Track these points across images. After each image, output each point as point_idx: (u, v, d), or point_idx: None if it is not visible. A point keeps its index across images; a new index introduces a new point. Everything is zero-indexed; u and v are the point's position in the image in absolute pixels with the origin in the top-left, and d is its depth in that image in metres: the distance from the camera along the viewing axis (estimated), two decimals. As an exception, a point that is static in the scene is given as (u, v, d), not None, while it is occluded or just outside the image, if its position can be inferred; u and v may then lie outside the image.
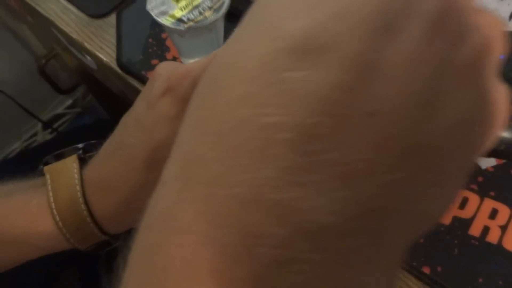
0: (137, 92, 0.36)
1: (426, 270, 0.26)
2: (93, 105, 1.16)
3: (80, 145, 0.27)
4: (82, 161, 0.26)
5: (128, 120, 0.25)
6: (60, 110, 1.25)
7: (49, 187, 0.25)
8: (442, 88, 0.10)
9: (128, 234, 0.27)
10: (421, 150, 0.10)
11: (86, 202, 0.24)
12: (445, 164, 0.11)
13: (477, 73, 0.11)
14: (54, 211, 0.24)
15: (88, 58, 0.48)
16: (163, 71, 0.23)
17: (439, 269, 0.26)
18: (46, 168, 0.26)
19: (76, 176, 0.25)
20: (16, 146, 1.21)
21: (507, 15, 0.37)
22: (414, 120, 0.10)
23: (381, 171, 0.10)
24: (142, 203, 0.26)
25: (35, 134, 1.23)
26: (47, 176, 0.25)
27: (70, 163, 0.25)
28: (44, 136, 1.22)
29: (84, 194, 0.24)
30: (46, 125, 1.17)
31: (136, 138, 0.24)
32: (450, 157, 0.11)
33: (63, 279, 0.55)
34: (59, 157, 0.27)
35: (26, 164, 0.53)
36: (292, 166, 0.10)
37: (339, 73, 0.10)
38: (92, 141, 0.28)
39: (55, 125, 1.16)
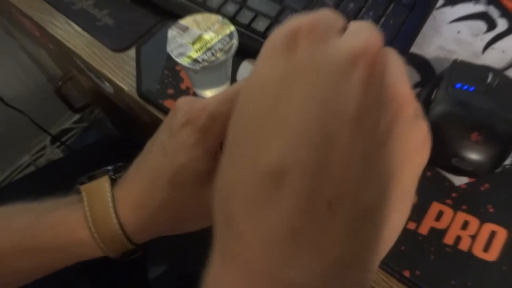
0: (151, 115, 0.40)
1: (406, 273, 0.31)
2: (100, 119, 1.21)
3: (110, 167, 0.31)
4: (113, 181, 0.30)
5: (153, 147, 0.29)
6: (67, 125, 1.29)
7: (86, 204, 0.29)
8: (371, 163, 0.16)
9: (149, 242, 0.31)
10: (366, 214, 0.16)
11: (117, 217, 0.29)
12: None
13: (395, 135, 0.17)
14: (90, 224, 0.28)
15: (107, 84, 0.53)
16: (183, 105, 0.28)
17: (417, 272, 0.31)
18: (82, 187, 0.30)
19: (109, 194, 0.29)
20: (25, 160, 1.25)
21: (480, 50, 0.42)
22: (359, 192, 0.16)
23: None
24: (165, 218, 0.30)
25: (43, 148, 1.27)
26: (83, 194, 0.29)
27: (103, 183, 0.30)
28: (52, 150, 1.27)
29: (115, 210, 0.29)
30: (55, 139, 1.21)
31: (160, 162, 0.28)
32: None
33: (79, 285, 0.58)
34: (92, 178, 0.31)
35: (47, 180, 0.58)
36: None
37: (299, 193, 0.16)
38: (119, 164, 0.32)
39: (63, 139, 1.21)
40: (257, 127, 0.17)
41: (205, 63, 0.32)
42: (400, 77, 0.18)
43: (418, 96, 0.38)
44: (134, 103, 0.41)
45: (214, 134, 0.27)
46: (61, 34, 0.44)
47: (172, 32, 0.33)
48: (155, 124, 0.47)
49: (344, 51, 0.16)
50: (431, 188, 0.34)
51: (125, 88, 0.40)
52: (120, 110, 0.68)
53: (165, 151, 0.28)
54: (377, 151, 0.16)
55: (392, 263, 0.31)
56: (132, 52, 0.42)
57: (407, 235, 0.32)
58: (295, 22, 0.17)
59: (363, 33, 0.17)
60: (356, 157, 0.15)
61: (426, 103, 0.35)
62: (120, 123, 0.84)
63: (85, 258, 0.31)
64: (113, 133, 1.11)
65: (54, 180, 0.59)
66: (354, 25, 0.18)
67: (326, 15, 0.18)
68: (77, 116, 1.27)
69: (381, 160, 0.16)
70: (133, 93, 0.40)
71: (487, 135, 0.32)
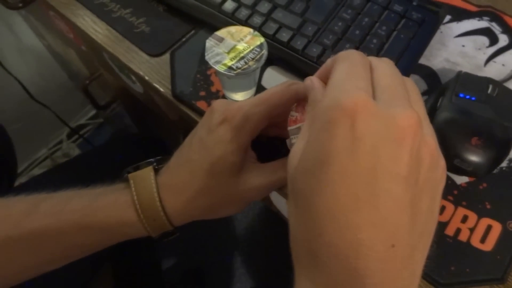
0: (183, 114, 0.44)
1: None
2: (115, 116, 1.25)
3: (152, 159, 0.36)
4: (156, 171, 0.35)
5: (193, 141, 0.34)
6: (83, 120, 1.34)
7: (133, 189, 0.34)
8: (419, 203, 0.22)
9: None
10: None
11: (160, 201, 0.33)
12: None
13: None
14: (138, 207, 0.33)
15: (138, 84, 0.58)
16: (220, 106, 0.33)
17: (421, 259, 0.35)
18: (130, 175, 0.34)
19: (153, 181, 0.34)
20: (42, 153, 1.30)
21: (482, 63, 0.46)
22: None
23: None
24: (202, 203, 0.35)
25: (60, 142, 1.32)
26: (131, 181, 0.34)
27: (148, 172, 0.34)
28: (68, 144, 1.32)
29: (159, 195, 0.33)
30: (71, 134, 1.26)
31: (199, 155, 0.33)
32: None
33: (97, 277, 0.63)
34: (137, 168, 0.35)
35: (77, 171, 0.63)
36: None
37: None
38: (161, 157, 0.36)
39: (80, 133, 1.26)
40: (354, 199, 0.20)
41: (239, 70, 0.36)
42: (431, 136, 0.23)
43: (426, 103, 0.42)
44: (167, 104, 0.46)
45: (247, 132, 0.32)
46: (102, 39, 0.48)
47: (209, 42, 0.37)
48: (182, 121, 0.51)
49: (396, 127, 0.20)
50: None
51: (161, 89, 0.45)
52: (143, 108, 0.73)
53: (205, 145, 0.32)
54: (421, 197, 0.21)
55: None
56: (166, 57, 0.46)
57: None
58: (349, 99, 0.21)
59: (405, 108, 0.21)
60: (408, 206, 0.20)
61: (432, 110, 0.40)
62: (140, 120, 0.88)
63: (131, 237, 0.35)
64: (128, 129, 1.16)
65: (83, 171, 0.64)
66: (397, 94, 0.23)
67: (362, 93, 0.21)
68: (93, 112, 1.32)
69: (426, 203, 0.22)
70: (168, 94, 0.44)
71: (486, 139, 0.37)
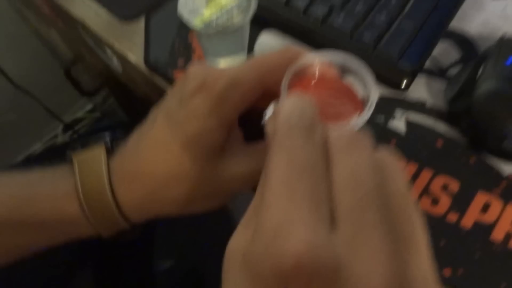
0: (162, 93, 0.37)
1: (447, 272, 0.26)
2: (113, 109, 1.19)
3: (106, 134, 0.28)
4: (109, 152, 0.27)
5: (158, 116, 0.25)
6: (80, 114, 1.28)
7: (77, 175, 0.26)
8: None
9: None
10: None
11: (112, 191, 0.25)
12: None
13: None
14: (81, 197, 0.25)
15: (115, 61, 0.50)
16: (198, 70, 0.24)
17: (460, 271, 0.26)
18: (74, 156, 0.26)
19: (104, 165, 0.26)
20: (37, 147, 1.24)
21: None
22: None
23: None
24: (169, 196, 0.26)
25: (55, 136, 1.26)
26: (75, 164, 0.26)
27: (98, 152, 0.26)
28: (64, 138, 1.26)
29: (110, 183, 0.25)
30: (67, 127, 1.20)
31: (166, 133, 0.24)
32: None
33: (78, 276, 0.55)
34: (85, 145, 0.27)
35: (53, 160, 0.55)
36: None
37: None
38: (118, 133, 0.28)
39: (75, 128, 1.19)
40: None
41: (219, 28, 0.28)
42: None
43: (459, 74, 0.33)
44: (141, 77, 0.38)
45: (231, 104, 0.23)
46: (67, 4, 0.41)
47: (184, -9, 0.29)
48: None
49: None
50: (475, 176, 0.29)
51: (132, 58, 0.37)
52: (131, 95, 0.66)
53: (173, 121, 0.24)
54: None
55: (430, 260, 0.26)
56: (142, 23, 0.39)
57: (447, 229, 0.28)
58: (289, 255, 0.13)
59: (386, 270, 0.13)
60: None
61: (471, 82, 0.31)
62: (131, 109, 0.81)
63: (76, 237, 0.27)
64: (124, 121, 1.09)
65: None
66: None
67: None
68: (90, 106, 1.25)
69: None
70: (140, 64, 0.36)
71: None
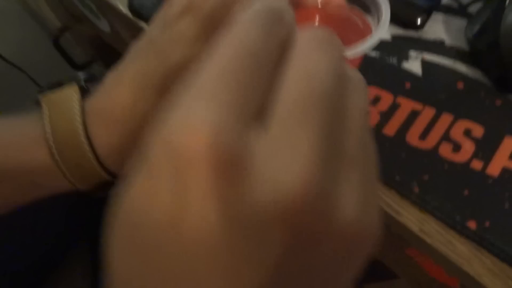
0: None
1: (472, 224, 0.23)
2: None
3: (81, 74, 0.24)
4: (85, 92, 0.23)
5: (140, 44, 0.22)
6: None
7: (46, 118, 0.22)
8: None
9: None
10: None
11: (87, 135, 0.22)
12: None
13: None
14: (51, 143, 0.22)
15: (102, 19, 0.46)
16: None
17: (487, 223, 0.23)
18: (43, 98, 0.23)
19: (77, 105, 0.22)
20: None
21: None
22: None
23: None
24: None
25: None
26: (44, 106, 0.23)
27: (70, 92, 0.23)
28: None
29: (85, 126, 0.22)
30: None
31: (147, 64, 0.21)
32: None
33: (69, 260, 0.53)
34: (57, 86, 0.24)
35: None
36: None
37: None
38: (94, 71, 0.25)
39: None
40: None
41: None
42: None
43: (483, 9, 0.29)
44: (126, 25, 0.34)
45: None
46: None
47: None
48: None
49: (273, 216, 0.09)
50: (502, 119, 0.26)
51: (119, 6, 0.33)
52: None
53: (156, 47, 0.21)
54: None
55: (452, 211, 0.23)
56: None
57: (471, 177, 0.24)
58: (184, 144, 0.09)
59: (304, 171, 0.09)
60: None
61: (497, 15, 0.27)
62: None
63: (50, 190, 0.24)
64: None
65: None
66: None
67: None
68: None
69: None
70: (125, 10, 0.33)
71: None
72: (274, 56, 0.12)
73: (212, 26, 0.20)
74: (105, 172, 0.23)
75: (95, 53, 0.71)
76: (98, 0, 0.36)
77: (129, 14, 0.33)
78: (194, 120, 0.09)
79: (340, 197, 0.10)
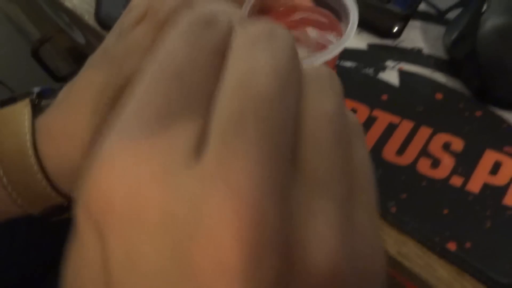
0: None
1: (452, 246, 0.21)
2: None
3: (35, 89, 0.23)
4: (38, 108, 0.22)
5: (95, 55, 0.21)
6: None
7: None
8: None
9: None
10: None
11: (37, 154, 0.20)
12: None
13: None
14: None
15: (76, 30, 0.45)
16: (141, 0, 0.20)
17: (467, 245, 0.21)
18: None
19: (27, 123, 0.21)
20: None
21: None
22: None
23: None
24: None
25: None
26: None
27: (20, 108, 0.21)
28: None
29: (35, 145, 0.20)
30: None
31: (102, 74, 0.20)
32: None
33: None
34: (9, 102, 0.23)
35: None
36: None
37: None
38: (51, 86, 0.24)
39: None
40: None
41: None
42: None
43: (461, 16, 0.28)
44: (96, 37, 0.33)
45: None
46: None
47: None
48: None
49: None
50: (482, 131, 0.25)
51: (85, 17, 0.32)
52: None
53: (111, 57, 0.20)
54: None
55: (431, 233, 0.22)
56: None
57: (451, 194, 0.23)
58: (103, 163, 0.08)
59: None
60: None
61: (474, 21, 0.26)
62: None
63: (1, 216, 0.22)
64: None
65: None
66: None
67: None
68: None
69: None
70: (92, 20, 0.31)
71: None
72: (209, 68, 0.10)
73: None
74: (58, 194, 0.21)
75: (74, 63, 0.69)
76: (70, 12, 0.34)
77: (97, 26, 0.32)
78: (111, 175, 0.08)
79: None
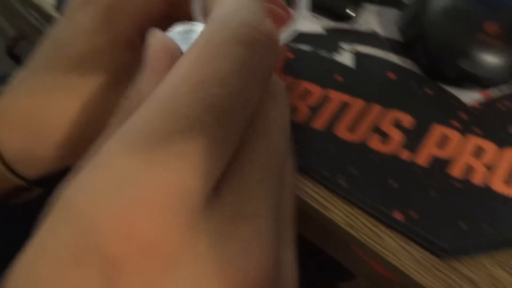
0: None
1: (398, 215, 0.22)
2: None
3: None
4: None
5: (43, 39, 0.21)
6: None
7: None
8: None
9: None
10: None
11: None
12: None
13: None
14: None
15: (48, 27, 0.45)
16: None
17: (413, 214, 0.22)
18: None
19: None
20: None
21: None
22: None
23: None
24: (63, 138, 0.22)
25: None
26: None
27: None
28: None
29: None
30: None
31: (49, 58, 0.20)
32: None
33: None
34: None
35: None
36: None
37: None
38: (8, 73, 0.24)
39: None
40: None
41: None
42: None
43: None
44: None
45: (125, 17, 0.20)
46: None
47: None
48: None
49: None
50: (431, 107, 0.26)
51: (50, 9, 0.32)
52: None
53: (56, 41, 0.20)
54: None
55: (379, 203, 0.22)
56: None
57: (400, 167, 0.24)
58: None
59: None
60: None
61: (424, 3, 0.27)
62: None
63: None
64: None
65: None
66: None
67: None
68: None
69: None
70: (54, 12, 0.32)
71: (507, 25, 0.24)
72: None
73: (114, 15, 0.19)
74: (17, 177, 0.22)
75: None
76: (37, 8, 0.35)
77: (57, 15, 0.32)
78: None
79: None
